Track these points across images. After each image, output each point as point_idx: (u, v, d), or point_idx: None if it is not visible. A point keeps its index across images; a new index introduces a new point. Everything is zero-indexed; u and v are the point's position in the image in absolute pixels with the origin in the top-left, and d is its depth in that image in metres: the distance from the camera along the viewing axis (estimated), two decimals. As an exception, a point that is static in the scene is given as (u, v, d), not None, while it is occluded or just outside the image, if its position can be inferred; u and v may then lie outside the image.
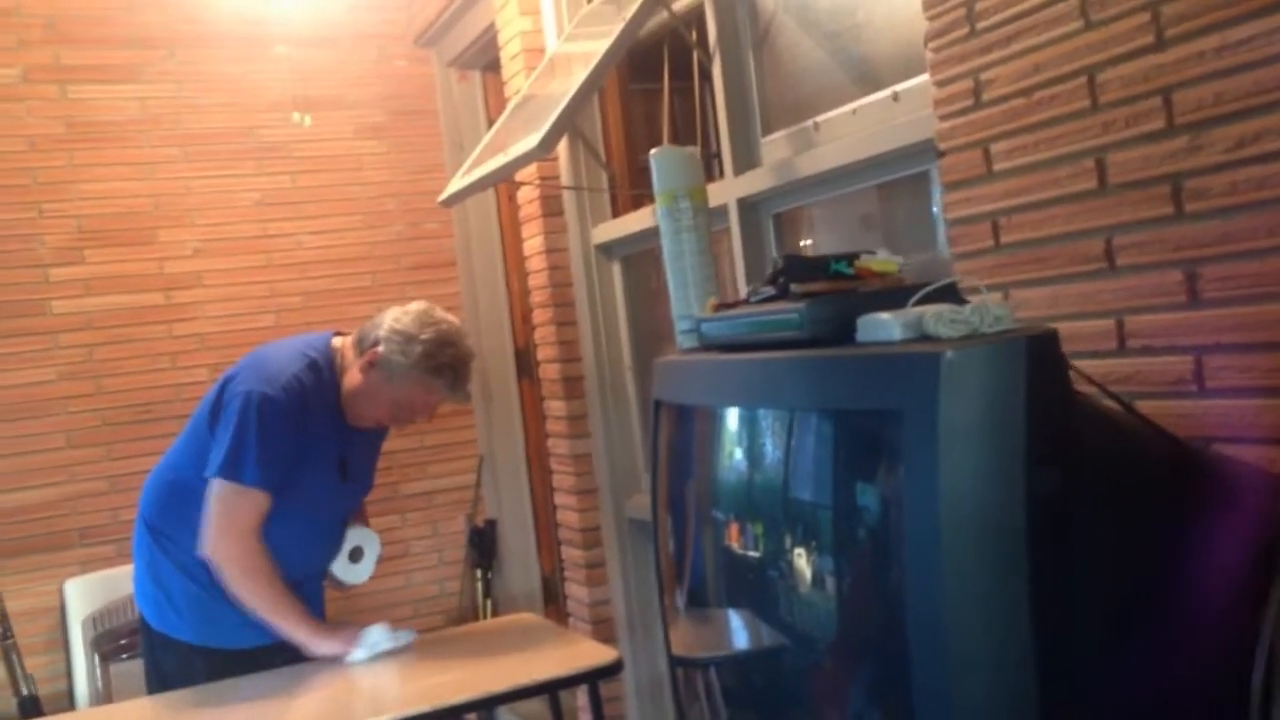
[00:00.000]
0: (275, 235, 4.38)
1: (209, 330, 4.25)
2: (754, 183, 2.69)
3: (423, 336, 2.44)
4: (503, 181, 3.33)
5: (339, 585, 2.75)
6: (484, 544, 4.59)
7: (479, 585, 4.56)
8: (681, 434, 1.58)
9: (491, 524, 4.63)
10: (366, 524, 2.79)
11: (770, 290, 1.31)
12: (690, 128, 3.52)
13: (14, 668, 3.90)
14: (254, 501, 2.45)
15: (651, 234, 3.21)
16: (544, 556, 4.61)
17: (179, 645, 2.61)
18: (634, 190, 3.45)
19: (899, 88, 2.22)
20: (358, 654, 2.49)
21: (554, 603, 4.56)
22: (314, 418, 2.50)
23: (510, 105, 3.56)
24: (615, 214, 3.52)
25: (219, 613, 2.53)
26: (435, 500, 4.57)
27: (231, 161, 4.32)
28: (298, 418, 2.46)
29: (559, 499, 3.72)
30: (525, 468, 4.62)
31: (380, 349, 2.47)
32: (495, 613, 4.55)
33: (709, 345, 1.43)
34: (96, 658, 3.94)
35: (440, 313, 2.54)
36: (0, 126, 4.03)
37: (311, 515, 2.61)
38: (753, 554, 1.44)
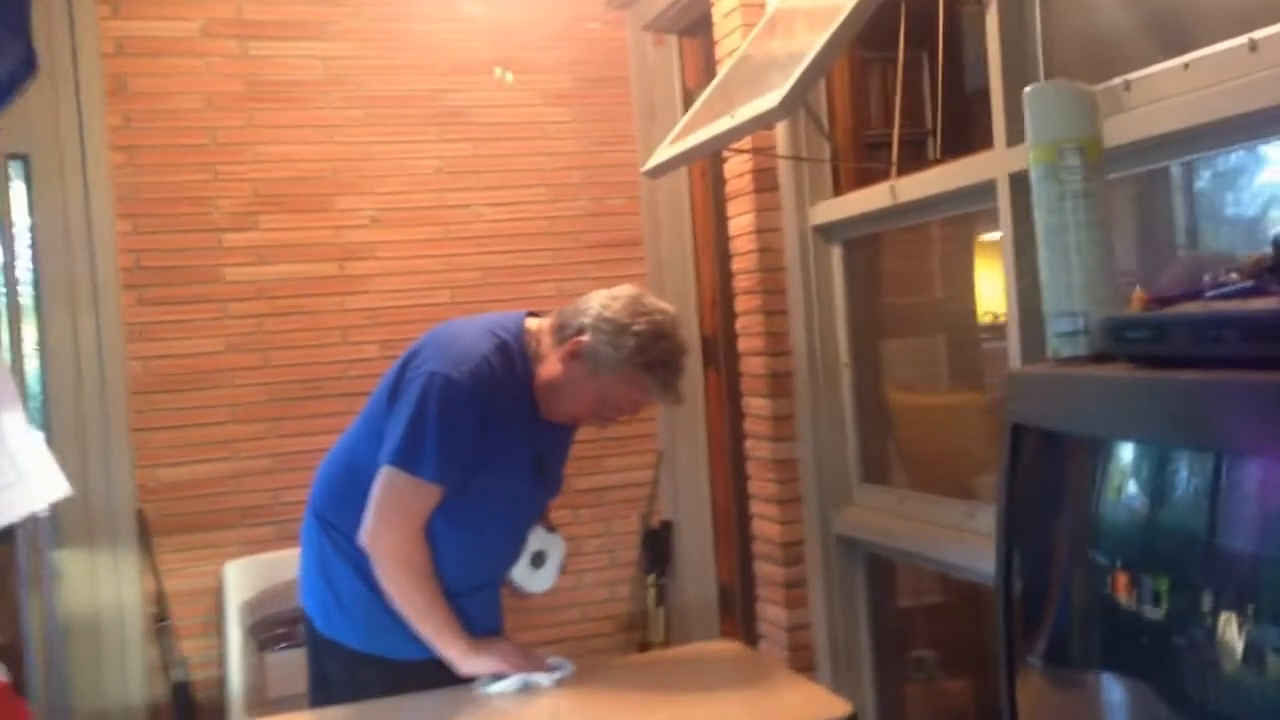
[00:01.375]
0: (454, 206, 4.11)
1: (381, 305, 4.01)
2: (1032, 154, 2.26)
3: (635, 328, 2.14)
4: (723, 148, 2.96)
5: (518, 593, 2.46)
6: (658, 547, 4.25)
7: (650, 592, 4.23)
8: (1058, 465, 1.19)
9: (667, 526, 4.29)
10: (550, 526, 2.48)
11: (1245, 283, 0.91)
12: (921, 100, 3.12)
13: (168, 651, 3.72)
14: (427, 497, 2.19)
15: (878, 216, 2.82)
16: (722, 565, 4.24)
17: (345, 652, 2.36)
18: (859, 164, 3.05)
19: (1258, 34, 1.77)
20: (508, 684, 2.20)
21: (731, 617, 4.20)
22: (503, 407, 2.21)
23: (724, 67, 3.21)
24: (837, 192, 3.12)
25: (390, 620, 2.26)
26: (608, 497, 4.24)
27: (414, 126, 4.06)
28: (485, 406, 2.17)
29: (756, 507, 3.35)
30: (707, 467, 4.26)
31: (586, 338, 2.17)
32: (668, 623, 4.21)
33: (1124, 355, 1.04)
34: (253, 645, 3.73)
35: (653, 300, 2.22)
36: (178, 83, 3.84)
37: (500, 517, 2.32)
38: (1153, 613, 1.07)
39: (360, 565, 2.28)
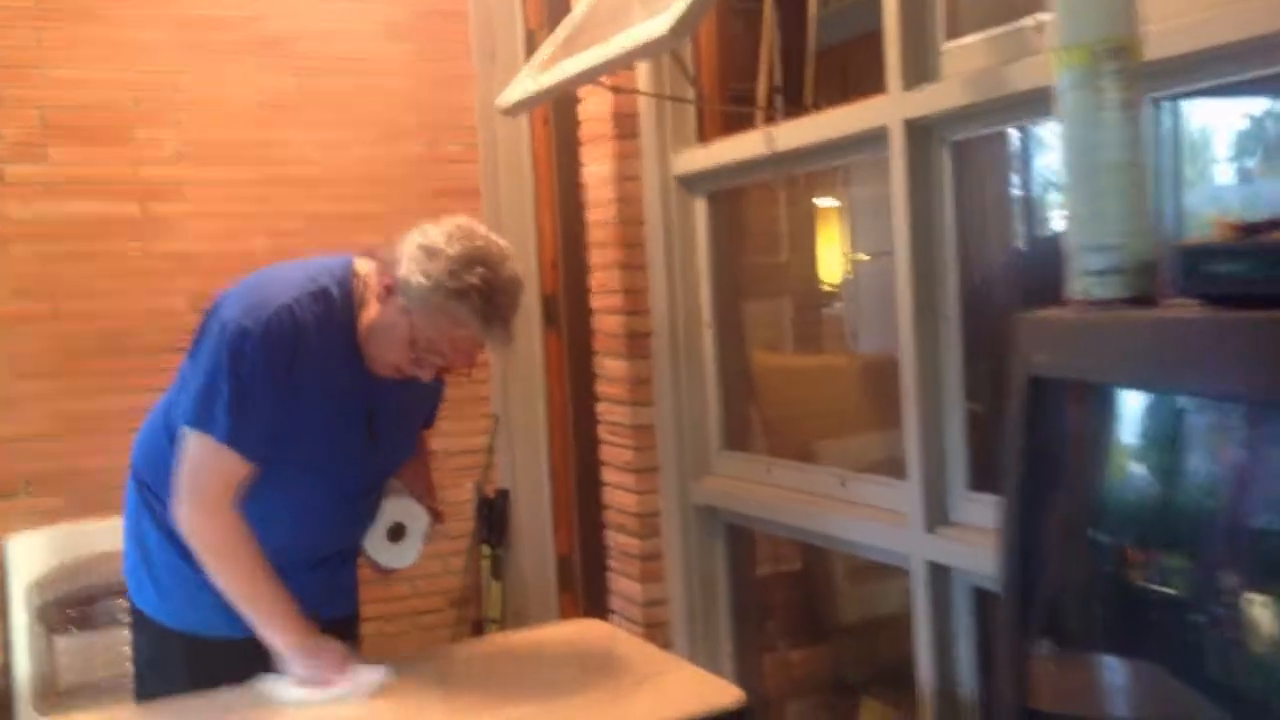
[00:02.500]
0: (275, 144, 3.73)
1: (191, 249, 3.60)
2: (930, 100, 2.12)
3: (449, 251, 1.84)
4: (592, 83, 2.72)
5: (377, 569, 2.20)
6: (494, 517, 4.01)
7: (485, 564, 3.99)
8: (1095, 426, 1.01)
9: (503, 494, 4.04)
10: (412, 496, 2.21)
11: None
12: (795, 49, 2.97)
13: (-61, 638, 3.27)
14: (227, 462, 1.90)
15: (745, 167, 2.65)
16: (561, 537, 4.03)
17: (155, 627, 2.10)
18: (732, 108, 2.87)
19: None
20: (342, 690, 1.94)
21: (570, 590, 4.00)
22: (314, 360, 1.93)
23: (581, 2, 2.96)
24: (702, 140, 2.93)
25: (211, 597, 1.98)
26: (442, 464, 3.92)
27: (229, 54, 3.65)
28: (284, 359, 1.90)
29: (610, 475, 3.15)
30: (546, 433, 4.03)
31: (400, 270, 1.89)
32: (504, 597, 3.98)
33: (1199, 293, 0.87)
34: (41, 629, 3.32)
35: (482, 229, 1.92)
36: (-49, -8, 3.35)
37: (325, 483, 2.04)
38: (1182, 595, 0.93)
39: (175, 533, 2.00)
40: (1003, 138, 2.17)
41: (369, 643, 3.74)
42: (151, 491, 2.05)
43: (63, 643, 3.30)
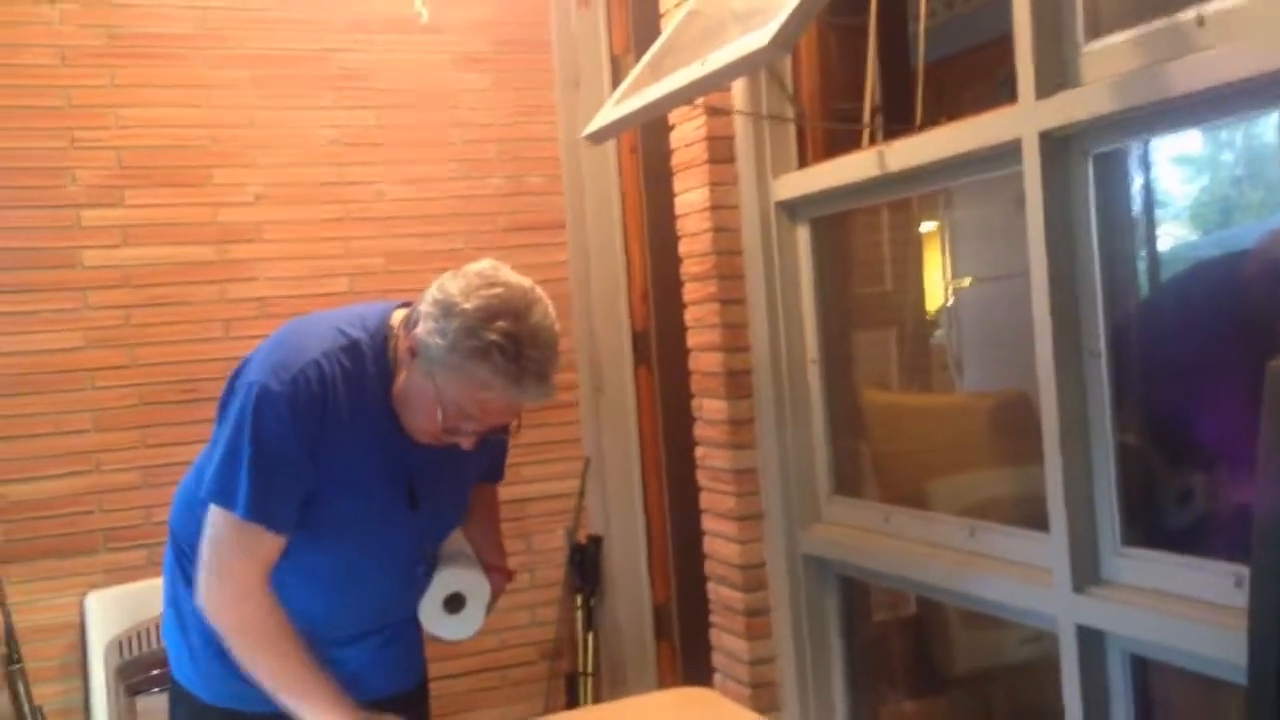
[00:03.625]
0: (353, 183, 3.62)
1: (270, 294, 3.50)
2: (1068, 108, 1.89)
3: (466, 306, 1.64)
4: (688, 103, 2.54)
5: (438, 639, 2.02)
6: (586, 564, 3.83)
7: (579, 614, 3.80)
8: None
9: (596, 541, 3.86)
10: (470, 562, 2.01)
11: None
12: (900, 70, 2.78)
13: (20, 699, 3.17)
14: (252, 538, 1.72)
15: (853, 190, 2.45)
16: (657, 583, 3.83)
17: (193, 701, 1.94)
18: (836, 125, 2.67)
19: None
20: None
21: (667, 641, 3.79)
22: (349, 420, 1.74)
23: (671, 22, 2.79)
24: (803, 164, 2.73)
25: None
26: (530, 509, 3.80)
27: (305, 90, 3.55)
28: (314, 420, 1.72)
29: (710, 524, 2.94)
30: (639, 477, 3.84)
31: (419, 329, 1.70)
32: (597, 649, 3.79)
33: None
34: (121, 689, 3.20)
35: (505, 273, 1.70)
36: (27, 34, 3.28)
37: (363, 553, 1.85)
38: None
39: None
40: (1157, 149, 1.93)
41: (454, 700, 3.61)
42: (188, 557, 1.89)
43: (143, 703, 3.18)
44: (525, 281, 1.70)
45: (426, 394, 1.71)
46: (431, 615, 1.96)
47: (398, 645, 1.99)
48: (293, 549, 1.78)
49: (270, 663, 1.75)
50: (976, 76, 3.29)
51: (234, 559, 1.73)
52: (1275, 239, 1.88)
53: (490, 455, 2.04)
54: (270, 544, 1.74)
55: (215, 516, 1.74)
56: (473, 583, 1.97)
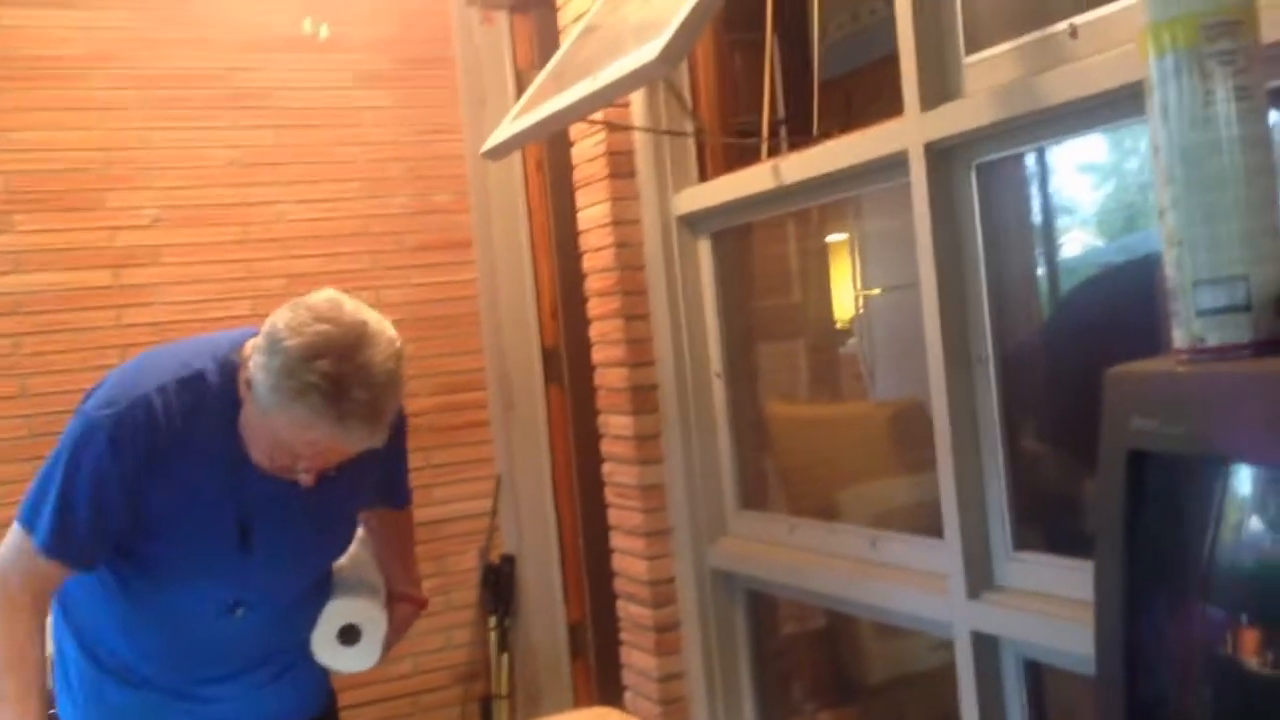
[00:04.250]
0: (253, 204, 3.55)
1: (168, 319, 3.41)
2: (952, 119, 1.92)
3: (288, 342, 1.54)
4: (581, 119, 2.53)
5: (335, 671, 1.96)
6: (500, 585, 3.79)
7: (493, 636, 3.76)
8: (1210, 502, 0.80)
9: (509, 560, 3.82)
10: (369, 591, 1.92)
11: None
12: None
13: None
14: (40, 566, 1.66)
15: (751, 203, 2.46)
16: (571, 602, 3.81)
17: None
18: (735, 139, 2.68)
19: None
20: None
21: (582, 660, 3.77)
22: (182, 457, 1.67)
23: (569, 37, 2.79)
24: (703, 178, 2.74)
25: (119, 701, 1.80)
26: (442, 530, 3.75)
27: (201, 110, 3.48)
28: (138, 458, 1.64)
29: (619, 540, 2.92)
30: (552, 495, 3.82)
31: (250, 362, 1.61)
32: (512, 671, 3.75)
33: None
34: None
35: (342, 309, 1.59)
36: (-93, 55, 3.19)
37: (193, 594, 1.76)
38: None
39: (83, 630, 1.81)
40: (1038, 157, 1.96)
41: (368, 730, 3.54)
42: (66, 590, 1.81)
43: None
44: (364, 316, 1.59)
45: (259, 429, 1.64)
46: (324, 648, 1.87)
47: (283, 681, 1.90)
48: (125, 584, 1.73)
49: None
50: (885, 88, 3.33)
51: (14, 577, 1.67)
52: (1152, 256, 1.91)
53: (368, 489, 1.90)
54: (56, 574, 1.68)
55: (13, 533, 1.68)
56: (366, 614, 1.88)
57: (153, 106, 3.43)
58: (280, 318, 1.57)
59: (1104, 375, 0.91)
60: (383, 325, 1.61)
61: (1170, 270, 0.95)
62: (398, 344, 1.62)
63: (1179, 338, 0.93)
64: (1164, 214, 0.95)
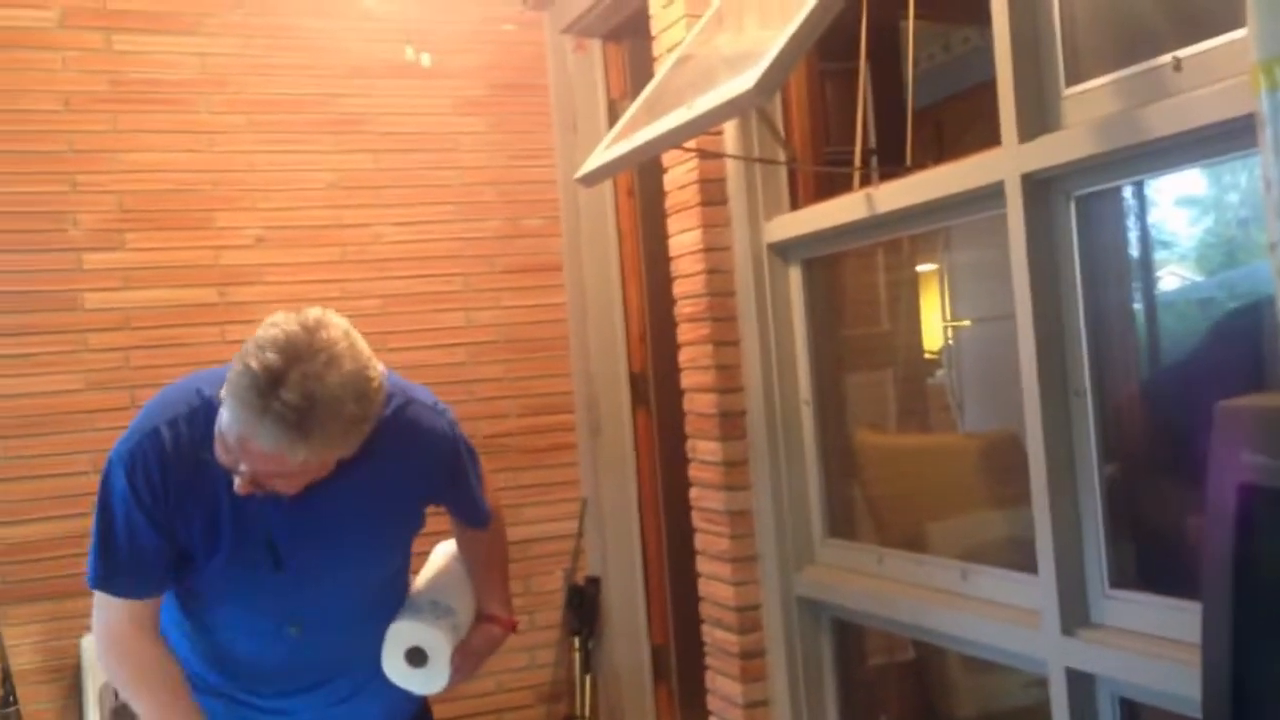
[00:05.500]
0: (351, 225, 3.64)
1: (269, 336, 3.50)
2: (1050, 151, 1.91)
3: (258, 333, 1.56)
4: (675, 147, 2.57)
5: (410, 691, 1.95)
6: (584, 606, 3.81)
7: (576, 657, 3.78)
8: None
9: (594, 582, 3.85)
10: (435, 614, 1.90)
11: None
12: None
13: (14, 742, 3.16)
14: (109, 603, 1.75)
15: (847, 231, 2.47)
16: (655, 625, 3.82)
17: None
18: (827, 168, 2.69)
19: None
20: None
21: (665, 683, 3.78)
22: (197, 485, 1.69)
23: (663, 66, 2.82)
24: (794, 206, 2.75)
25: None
26: (529, 551, 3.79)
27: (305, 134, 3.59)
28: (156, 491, 1.67)
29: (705, 565, 2.93)
30: (638, 518, 3.84)
31: None
32: (594, 692, 3.77)
33: None
34: (116, 733, 3.19)
35: (325, 328, 1.56)
36: (31, 80, 3.33)
37: (245, 613, 1.82)
38: None
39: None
40: (1137, 190, 1.94)
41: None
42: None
43: (138, 747, 3.16)
44: (340, 342, 1.55)
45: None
46: (394, 668, 1.87)
47: (362, 697, 1.92)
48: (183, 604, 1.80)
49: (142, 703, 1.76)
50: (978, 116, 3.32)
51: (109, 616, 1.76)
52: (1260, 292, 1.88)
53: (402, 511, 1.88)
54: (129, 605, 1.74)
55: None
56: (429, 637, 1.86)
57: (259, 130, 3.54)
58: (254, 337, 1.57)
59: (1215, 409, 0.91)
60: (363, 362, 1.57)
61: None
62: (371, 384, 1.58)
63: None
64: (1275, 248, 0.95)
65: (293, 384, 1.50)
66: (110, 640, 1.77)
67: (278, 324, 1.56)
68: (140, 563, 1.71)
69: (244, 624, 1.82)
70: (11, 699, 3.19)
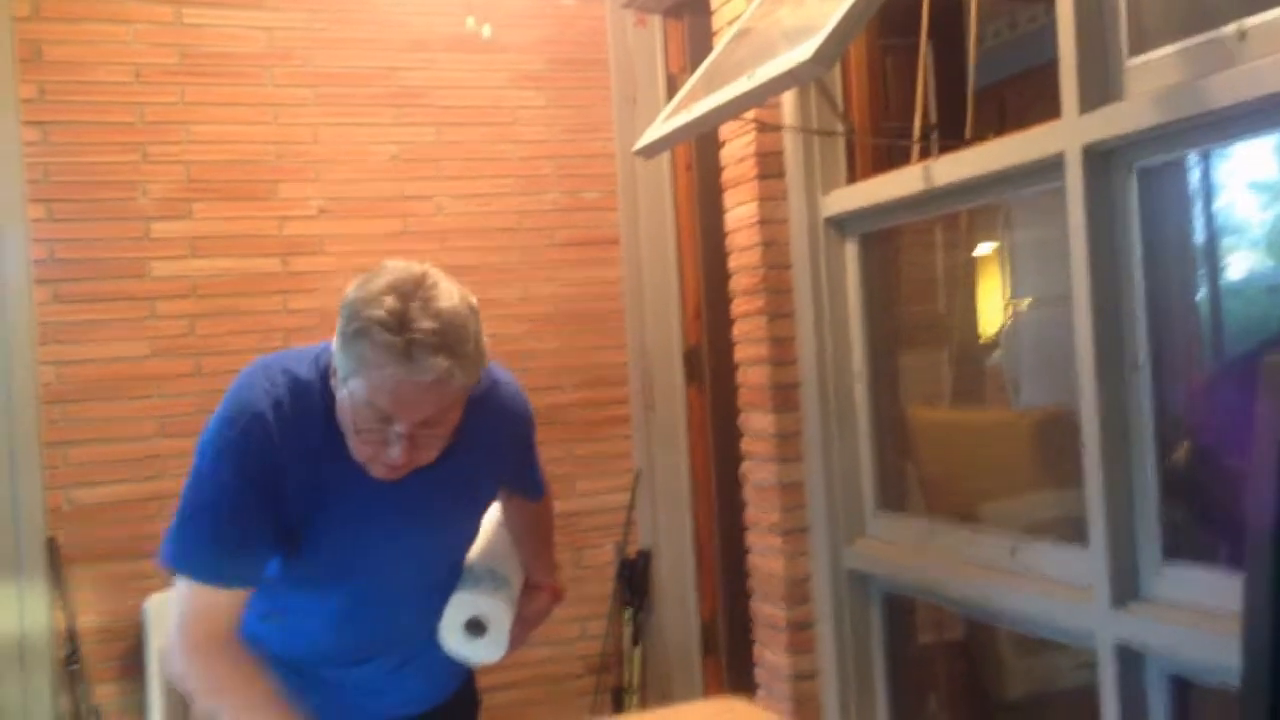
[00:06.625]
0: (412, 197, 3.69)
1: (331, 305, 3.51)
2: (1112, 121, 1.89)
3: (352, 295, 1.57)
4: (734, 118, 2.57)
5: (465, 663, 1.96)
6: (635, 579, 3.84)
7: (626, 629, 3.82)
8: None
9: (645, 555, 3.88)
10: (495, 584, 1.90)
11: None
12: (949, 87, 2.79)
13: (80, 698, 3.26)
14: (209, 598, 1.65)
15: (905, 204, 2.46)
16: (704, 598, 3.84)
17: None
18: (886, 140, 2.68)
19: None
20: None
21: (713, 656, 3.80)
22: (311, 462, 1.67)
23: (722, 39, 2.83)
24: (852, 179, 2.75)
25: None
26: (581, 523, 3.83)
27: (368, 107, 3.64)
28: (267, 473, 1.64)
29: (756, 539, 2.95)
30: (689, 491, 3.86)
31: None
32: (644, 664, 3.80)
33: None
34: (178, 694, 3.26)
35: (407, 266, 1.59)
36: (101, 52, 3.40)
37: (326, 597, 1.79)
38: None
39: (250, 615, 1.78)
40: (1198, 162, 1.92)
41: (501, 711, 3.63)
42: None
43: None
44: (429, 272, 1.58)
45: (346, 409, 1.59)
46: (452, 639, 1.87)
47: (412, 666, 1.92)
48: (293, 586, 1.75)
49: (236, 698, 1.66)
50: (1042, 96, 3.29)
51: (193, 620, 1.66)
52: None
53: (483, 487, 1.89)
54: (230, 597, 1.67)
55: (178, 584, 1.67)
56: (489, 608, 1.86)
57: (323, 103, 3.59)
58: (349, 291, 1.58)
59: (1261, 364, 0.91)
60: (454, 285, 1.59)
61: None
62: (471, 300, 1.59)
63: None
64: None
65: (418, 313, 1.51)
66: (195, 640, 1.66)
67: (367, 282, 1.57)
68: (248, 549, 1.66)
69: (320, 605, 1.80)
70: (75, 657, 3.28)
